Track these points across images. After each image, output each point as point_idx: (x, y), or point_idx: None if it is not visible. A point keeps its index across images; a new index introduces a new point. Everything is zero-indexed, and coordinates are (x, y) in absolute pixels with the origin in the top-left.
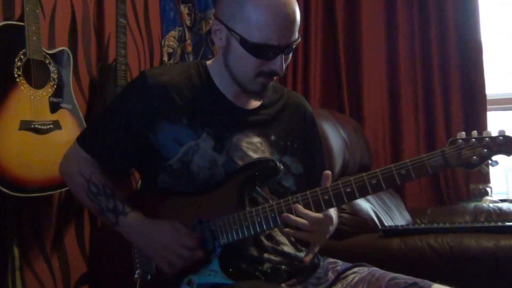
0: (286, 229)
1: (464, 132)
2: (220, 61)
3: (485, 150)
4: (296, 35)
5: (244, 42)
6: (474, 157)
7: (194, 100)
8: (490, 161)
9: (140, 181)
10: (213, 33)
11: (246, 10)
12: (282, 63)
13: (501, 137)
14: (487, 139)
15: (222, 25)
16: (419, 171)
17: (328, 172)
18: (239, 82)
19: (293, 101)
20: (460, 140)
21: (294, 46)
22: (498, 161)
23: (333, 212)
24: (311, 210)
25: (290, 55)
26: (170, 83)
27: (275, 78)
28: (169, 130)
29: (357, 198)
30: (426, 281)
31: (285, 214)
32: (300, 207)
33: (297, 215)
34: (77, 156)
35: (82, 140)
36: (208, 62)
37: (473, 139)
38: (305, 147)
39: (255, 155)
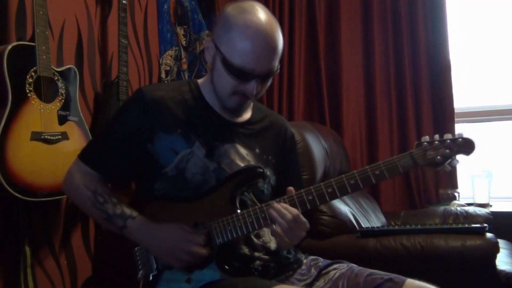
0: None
1: (427, 136)
2: (208, 77)
3: (447, 150)
4: (274, 65)
5: (225, 61)
6: (438, 157)
7: (187, 113)
8: (451, 160)
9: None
10: (205, 49)
11: (232, 34)
12: (254, 88)
13: (460, 139)
14: (448, 141)
15: (213, 43)
16: (391, 171)
17: (292, 188)
18: (219, 97)
19: (277, 122)
20: (425, 143)
21: (271, 74)
22: (459, 160)
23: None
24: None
25: (269, 81)
26: (165, 97)
27: (252, 99)
28: (165, 140)
29: (338, 198)
30: (400, 276)
31: (271, 209)
32: (285, 204)
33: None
34: (80, 171)
35: (84, 156)
36: (199, 80)
37: (436, 142)
38: (281, 163)
39: (242, 164)
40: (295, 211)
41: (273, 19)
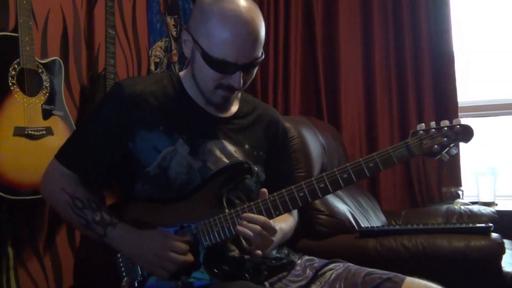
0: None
1: (423, 124)
2: (189, 70)
3: (445, 138)
4: (258, 53)
5: (205, 55)
6: (435, 146)
7: (168, 109)
8: (449, 149)
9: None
10: (183, 43)
11: (209, 25)
12: (240, 79)
13: (458, 126)
14: (446, 128)
15: (190, 36)
16: (386, 162)
17: (265, 190)
18: (203, 92)
19: (267, 114)
20: (421, 131)
21: (255, 64)
22: (457, 149)
23: (280, 225)
24: (288, 208)
25: (255, 70)
26: (145, 92)
27: (240, 90)
28: (147, 138)
29: (331, 193)
30: (399, 275)
31: (239, 225)
32: (250, 214)
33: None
34: (58, 173)
35: (62, 157)
36: (181, 73)
37: (433, 130)
38: (272, 159)
39: (228, 161)
40: (261, 219)
41: (253, 4)
